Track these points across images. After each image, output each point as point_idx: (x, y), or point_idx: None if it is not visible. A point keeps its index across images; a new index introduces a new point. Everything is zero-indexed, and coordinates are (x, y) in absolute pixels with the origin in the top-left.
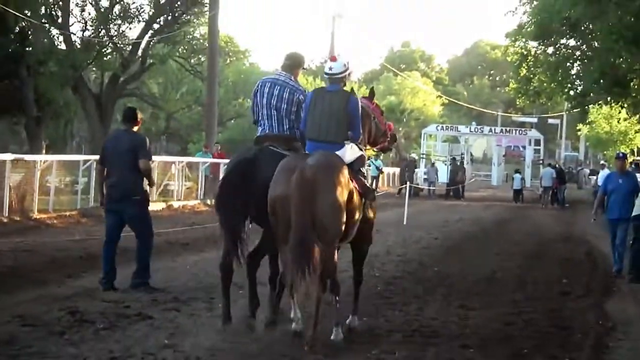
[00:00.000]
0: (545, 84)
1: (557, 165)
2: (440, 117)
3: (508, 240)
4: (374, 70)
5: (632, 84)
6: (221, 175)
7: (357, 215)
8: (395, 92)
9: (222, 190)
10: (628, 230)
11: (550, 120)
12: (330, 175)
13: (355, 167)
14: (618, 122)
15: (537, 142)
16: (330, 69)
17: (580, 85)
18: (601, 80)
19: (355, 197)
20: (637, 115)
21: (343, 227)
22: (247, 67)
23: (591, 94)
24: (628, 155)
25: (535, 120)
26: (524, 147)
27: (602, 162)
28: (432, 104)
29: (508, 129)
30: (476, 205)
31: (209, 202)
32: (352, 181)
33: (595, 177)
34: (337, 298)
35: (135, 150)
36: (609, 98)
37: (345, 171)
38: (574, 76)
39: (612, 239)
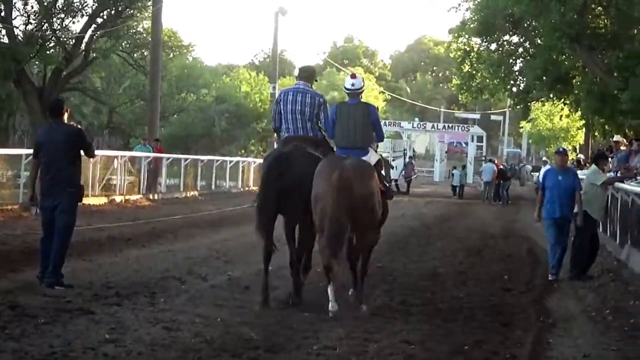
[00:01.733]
0: (488, 81)
1: (494, 161)
2: (383, 112)
3: (450, 236)
4: (317, 65)
5: (574, 81)
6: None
7: (380, 211)
8: (339, 88)
9: (266, 183)
10: (569, 230)
11: (492, 117)
12: (364, 175)
13: (378, 170)
14: (560, 119)
15: (480, 139)
16: (353, 85)
17: (522, 82)
18: (544, 77)
19: (379, 195)
20: (579, 112)
21: (375, 219)
22: (190, 62)
23: (534, 91)
24: (569, 152)
25: (477, 116)
26: (467, 144)
27: (543, 158)
28: (375, 100)
29: (451, 125)
30: (418, 201)
31: (151, 196)
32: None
33: (537, 174)
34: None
35: (71, 142)
36: (551, 95)
37: (375, 173)
38: (517, 73)
39: (551, 238)
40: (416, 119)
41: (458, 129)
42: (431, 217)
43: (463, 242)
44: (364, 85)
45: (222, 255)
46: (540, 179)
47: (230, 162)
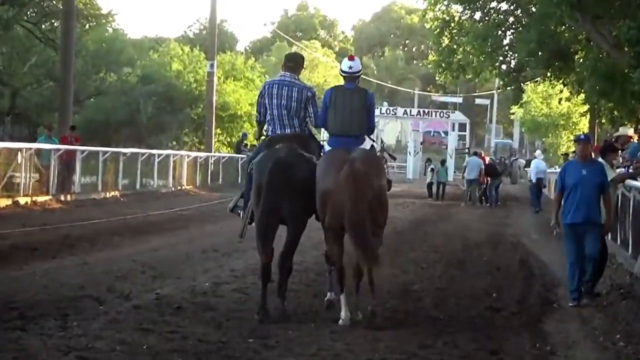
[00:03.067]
0: (471, 57)
1: (480, 154)
2: None
3: (427, 245)
4: (265, 38)
5: (576, 56)
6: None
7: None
8: None
9: (268, 193)
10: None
11: (478, 101)
12: (375, 166)
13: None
14: (559, 102)
15: (462, 127)
16: (350, 67)
17: (513, 58)
18: (539, 52)
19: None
20: (582, 95)
21: (386, 214)
22: (110, 34)
23: (527, 69)
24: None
25: (459, 100)
26: (446, 133)
27: (536, 151)
28: (335, 80)
29: (427, 110)
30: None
31: (63, 197)
32: None
33: (529, 169)
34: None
35: None
36: (548, 73)
37: (383, 163)
38: (507, 47)
39: (571, 252)
40: (385, 103)
41: (436, 116)
42: (404, 221)
43: (442, 252)
44: (361, 68)
45: (149, 268)
46: (533, 175)
47: (159, 155)
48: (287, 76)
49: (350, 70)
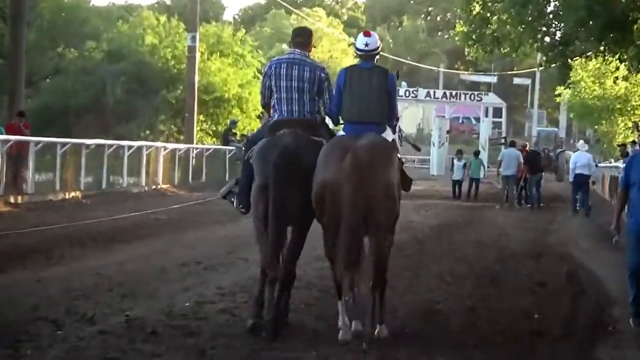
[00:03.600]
0: (508, 27)
1: (525, 145)
2: None
3: (454, 256)
4: (257, 5)
5: (634, 27)
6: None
7: (399, 205)
8: (289, 38)
9: (276, 189)
10: None
11: (516, 80)
12: (384, 155)
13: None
14: (614, 82)
15: (497, 112)
16: (366, 45)
17: (559, 29)
18: (590, 22)
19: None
20: None
21: (395, 215)
22: (70, 1)
23: (575, 42)
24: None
25: (494, 80)
26: (478, 120)
27: (580, 142)
28: (343, 55)
29: (454, 92)
30: (407, 204)
31: (12, 199)
32: None
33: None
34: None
35: None
36: (601, 47)
37: (396, 153)
38: (551, 15)
39: (634, 265)
40: (404, 83)
41: (465, 98)
42: (425, 227)
43: (472, 265)
44: (380, 45)
45: (117, 285)
46: (571, 170)
47: (129, 148)
48: (296, 53)
49: (366, 48)
